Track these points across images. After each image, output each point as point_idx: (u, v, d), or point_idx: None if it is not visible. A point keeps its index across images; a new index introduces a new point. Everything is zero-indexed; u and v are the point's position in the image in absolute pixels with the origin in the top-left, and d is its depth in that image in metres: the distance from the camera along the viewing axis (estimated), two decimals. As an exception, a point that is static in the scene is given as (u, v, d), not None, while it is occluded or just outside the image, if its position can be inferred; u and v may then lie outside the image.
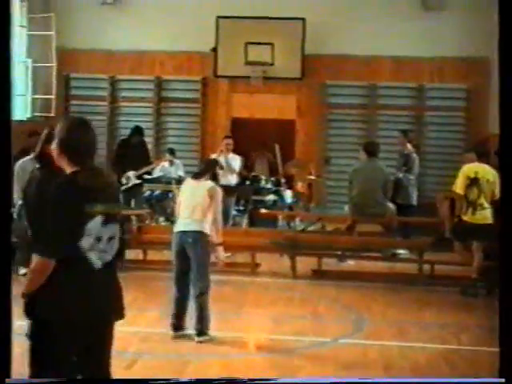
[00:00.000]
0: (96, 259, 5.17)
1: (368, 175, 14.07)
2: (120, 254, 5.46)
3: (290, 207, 18.14)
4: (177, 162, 18.51)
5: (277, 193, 18.51)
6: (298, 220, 17.31)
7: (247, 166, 18.76)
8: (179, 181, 17.10)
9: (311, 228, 16.27)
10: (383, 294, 12.31)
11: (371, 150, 14.39)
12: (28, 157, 12.37)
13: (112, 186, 5.36)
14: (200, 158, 19.48)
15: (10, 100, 5.15)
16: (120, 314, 5.46)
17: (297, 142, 20.36)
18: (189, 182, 9.66)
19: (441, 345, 9.44)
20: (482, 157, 12.13)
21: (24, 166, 11.96)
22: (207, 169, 9.70)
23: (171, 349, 8.65)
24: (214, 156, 16.02)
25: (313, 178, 18.94)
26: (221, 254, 9.76)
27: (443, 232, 12.77)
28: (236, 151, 16.77)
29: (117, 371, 7.51)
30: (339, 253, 14.04)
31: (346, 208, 14.65)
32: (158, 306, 10.76)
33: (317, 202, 19.30)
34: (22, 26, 19.74)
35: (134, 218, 15.24)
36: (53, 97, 19.90)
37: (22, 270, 12.11)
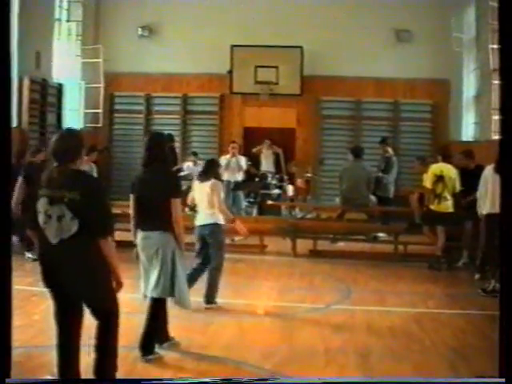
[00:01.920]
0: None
1: (354, 173, 14.09)
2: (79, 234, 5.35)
3: (291, 199, 18.18)
4: (199, 162, 18.49)
5: (281, 187, 18.56)
6: (297, 210, 17.32)
7: (255, 163, 18.76)
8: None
9: (308, 216, 16.31)
10: (367, 269, 12.33)
11: (357, 152, 14.44)
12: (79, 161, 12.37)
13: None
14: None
15: (9, 109, 4.90)
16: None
17: (296, 147, 20.44)
18: (196, 182, 9.41)
19: (412, 309, 9.47)
20: (446, 158, 12.16)
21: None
22: (207, 169, 9.28)
23: (194, 311, 8.63)
24: (223, 158, 16.09)
25: (310, 175, 19.00)
26: (239, 227, 9.55)
27: (414, 219, 12.84)
28: (246, 154, 16.84)
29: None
30: (331, 236, 14.09)
31: (337, 200, 14.69)
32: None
33: (313, 195, 19.37)
34: (77, 56, 19.83)
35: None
36: (100, 111, 20.01)
37: (29, 255, 12.02)
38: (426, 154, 18.75)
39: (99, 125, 19.71)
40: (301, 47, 19.56)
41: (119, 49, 20.38)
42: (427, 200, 12.22)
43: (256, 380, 5.93)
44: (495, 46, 14.29)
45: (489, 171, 10.29)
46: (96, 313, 5.65)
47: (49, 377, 5.90)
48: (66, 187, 5.34)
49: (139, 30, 20.53)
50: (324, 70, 19.93)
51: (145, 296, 7.14)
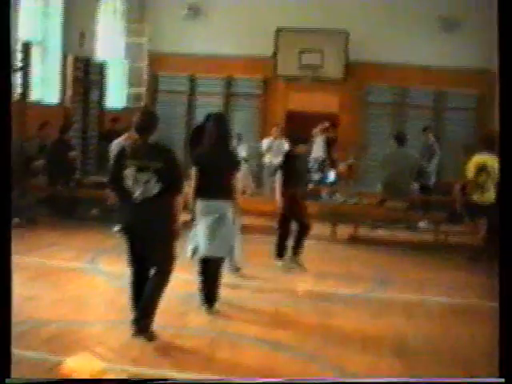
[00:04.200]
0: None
1: (397, 160, 13.84)
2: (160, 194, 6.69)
3: (332, 184, 18.05)
4: (242, 144, 18.39)
5: (321, 171, 18.45)
6: (338, 194, 17.18)
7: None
8: (245, 160, 17.16)
9: (349, 201, 16.15)
10: (406, 257, 12.18)
11: (401, 139, 14.15)
12: (120, 138, 12.51)
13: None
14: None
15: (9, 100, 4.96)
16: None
17: (339, 132, 20.23)
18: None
19: (451, 299, 9.36)
20: (490, 148, 11.92)
21: (117, 144, 12.17)
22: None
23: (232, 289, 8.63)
24: (265, 140, 15.99)
25: (352, 161, 18.86)
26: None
27: (455, 209, 12.63)
28: (288, 137, 16.70)
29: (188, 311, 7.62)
30: (371, 222, 13.90)
31: (379, 186, 14.46)
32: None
33: (355, 180, 19.21)
34: (121, 35, 19.88)
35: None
36: (143, 90, 20.07)
37: (117, 227, 12.20)
38: (470, 143, 18.63)
39: (142, 104, 19.70)
40: (346, 32, 19.36)
41: (164, 28, 20.34)
42: (469, 190, 12.02)
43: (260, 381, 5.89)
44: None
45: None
46: (159, 262, 6.85)
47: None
48: (152, 158, 6.66)
49: (185, 9, 20.45)
50: (369, 55, 19.68)
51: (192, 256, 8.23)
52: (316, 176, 18.43)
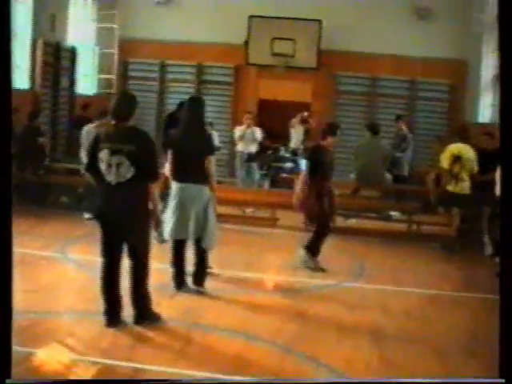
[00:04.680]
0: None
1: (370, 150, 13.67)
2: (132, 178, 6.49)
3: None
4: (213, 133, 18.17)
5: (294, 161, 18.34)
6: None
7: (269, 136, 18.45)
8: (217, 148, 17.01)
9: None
10: (380, 247, 12.09)
11: (373, 129, 13.99)
12: (91, 125, 12.42)
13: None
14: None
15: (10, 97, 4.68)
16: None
17: (312, 121, 20.08)
18: None
19: (427, 290, 9.29)
20: (464, 139, 11.87)
21: (88, 131, 12.10)
22: None
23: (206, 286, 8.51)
24: (237, 128, 15.83)
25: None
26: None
27: (429, 199, 12.55)
28: (261, 126, 16.60)
29: (161, 302, 7.50)
30: (345, 212, 13.74)
31: (352, 176, 14.34)
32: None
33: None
34: (93, 20, 19.60)
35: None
36: (114, 77, 19.83)
37: (87, 215, 12.07)
38: (442, 133, 18.67)
39: (112, 91, 19.45)
40: (319, 20, 19.22)
41: (135, 15, 20.06)
42: (444, 180, 11.96)
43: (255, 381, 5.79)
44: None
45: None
46: (134, 250, 6.75)
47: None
48: (125, 141, 6.47)
49: (157, -4, 20.24)
50: (342, 44, 19.54)
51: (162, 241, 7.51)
52: (288, 165, 18.35)
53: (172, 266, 8.30)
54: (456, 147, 11.83)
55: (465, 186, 11.73)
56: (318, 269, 9.87)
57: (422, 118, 20.02)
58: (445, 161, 11.84)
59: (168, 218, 8.09)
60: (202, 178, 7.98)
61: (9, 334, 4.63)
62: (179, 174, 8.07)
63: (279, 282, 9.40)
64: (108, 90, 19.53)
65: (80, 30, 19.02)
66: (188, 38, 20.03)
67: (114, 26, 19.54)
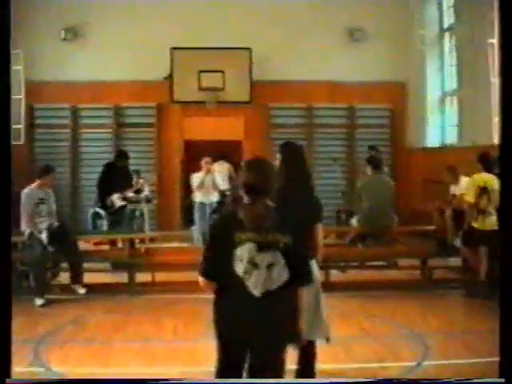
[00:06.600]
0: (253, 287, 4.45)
1: (377, 189, 11.60)
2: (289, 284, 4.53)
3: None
4: (141, 181, 15.89)
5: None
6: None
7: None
8: (148, 199, 14.99)
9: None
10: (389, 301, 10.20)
11: (376, 163, 11.97)
12: (33, 185, 10.46)
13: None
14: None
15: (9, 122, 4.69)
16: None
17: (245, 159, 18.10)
18: None
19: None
20: (488, 167, 10.09)
21: (30, 192, 10.07)
22: None
23: None
24: (195, 176, 13.73)
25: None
26: None
27: (445, 238, 10.67)
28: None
29: None
30: (342, 264, 11.60)
31: (354, 221, 12.16)
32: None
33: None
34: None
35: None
36: (21, 126, 17.28)
37: (39, 301, 9.72)
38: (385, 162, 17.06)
39: (21, 142, 16.83)
40: (249, 48, 17.34)
41: (40, 54, 17.59)
42: (469, 216, 10.13)
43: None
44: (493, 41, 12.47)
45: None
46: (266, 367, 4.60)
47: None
48: (278, 229, 4.47)
49: (62, 32, 17.84)
50: (274, 74, 17.79)
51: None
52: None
53: None
54: (480, 178, 10.04)
55: (493, 221, 9.91)
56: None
57: (363, 147, 18.21)
58: (471, 193, 10.03)
59: None
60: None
61: (9, 335, 4.47)
62: None
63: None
64: (16, 142, 16.95)
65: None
66: (101, 77, 17.76)
67: (19, 67, 17.03)
